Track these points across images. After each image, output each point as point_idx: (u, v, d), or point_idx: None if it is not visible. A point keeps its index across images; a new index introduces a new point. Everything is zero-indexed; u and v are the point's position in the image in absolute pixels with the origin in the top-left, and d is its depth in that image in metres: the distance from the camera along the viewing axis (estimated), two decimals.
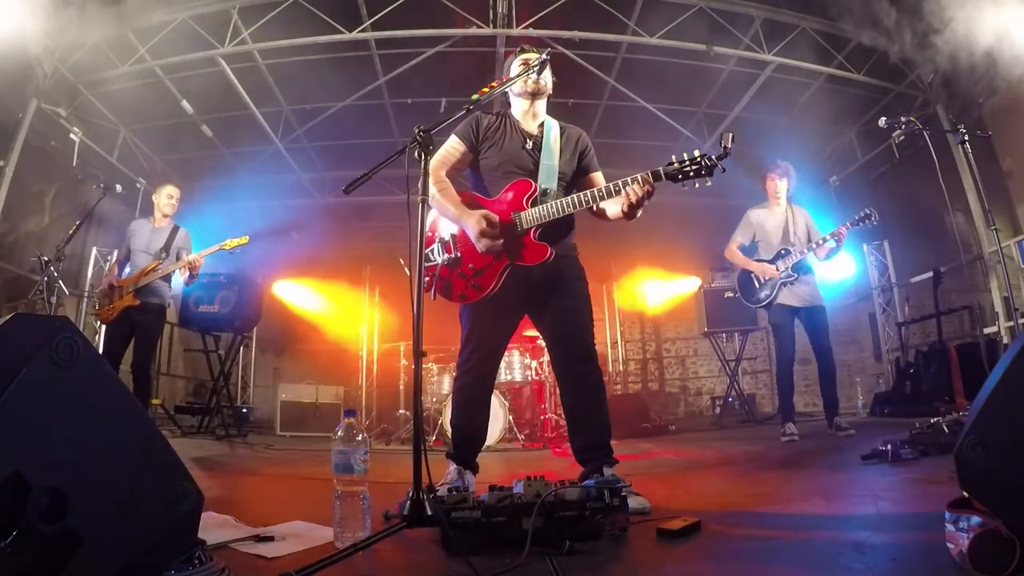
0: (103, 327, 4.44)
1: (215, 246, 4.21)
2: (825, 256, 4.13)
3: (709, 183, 2.01)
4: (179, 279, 4.38)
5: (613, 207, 2.23)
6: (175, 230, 4.37)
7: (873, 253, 7.41)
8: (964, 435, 1.16)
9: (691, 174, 2.00)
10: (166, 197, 4.42)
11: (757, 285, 4.28)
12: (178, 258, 4.25)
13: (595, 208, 2.29)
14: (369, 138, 7.28)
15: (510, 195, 2.22)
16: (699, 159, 1.98)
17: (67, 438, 1.04)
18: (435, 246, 2.27)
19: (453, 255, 2.23)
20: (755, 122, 7.08)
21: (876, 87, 6.25)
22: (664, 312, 9.40)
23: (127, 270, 4.32)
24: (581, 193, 2.14)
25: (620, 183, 2.07)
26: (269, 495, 2.80)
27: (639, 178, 2.04)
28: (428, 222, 2.28)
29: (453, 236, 2.26)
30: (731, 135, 1.96)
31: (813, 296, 4.18)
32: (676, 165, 2.01)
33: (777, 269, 4.16)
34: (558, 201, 2.16)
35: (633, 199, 2.05)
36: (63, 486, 1.00)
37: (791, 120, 7.07)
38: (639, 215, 2.12)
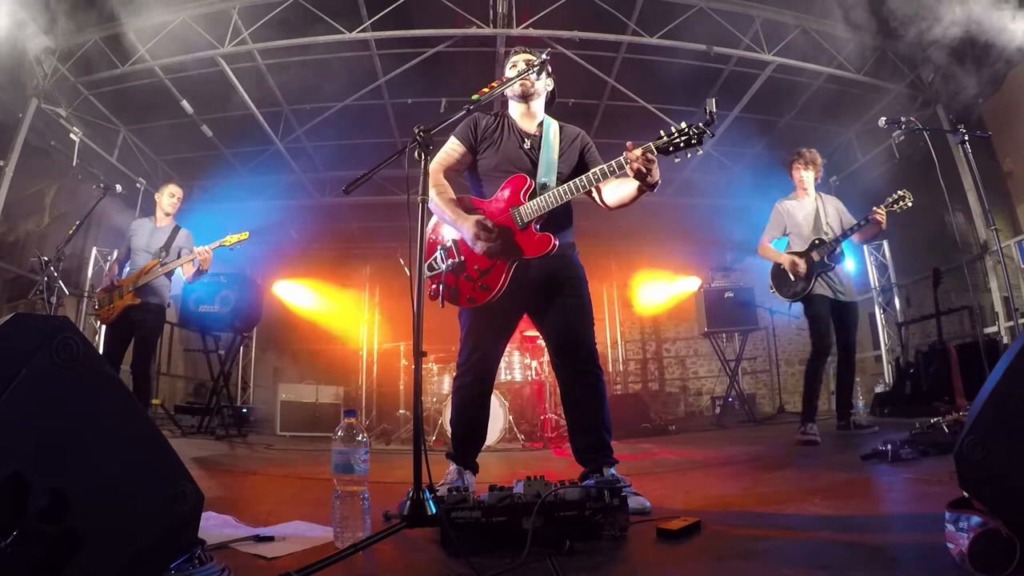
0: (103, 327, 4.44)
1: (215, 243, 4.21)
2: (866, 239, 3.98)
3: (700, 151, 2.01)
4: (181, 276, 4.36)
5: (622, 189, 2.21)
6: (176, 230, 4.37)
7: (873, 253, 7.42)
8: (964, 435, 1.16)
9: (681, 145, 1.99)
10: (168, 196, 4.42)
11: (792, 278, 4.08)
12: (179, 257, 4.25)
13: (602, 200, 2.28)
14: (369, 138, 7.28)
15: (506, 192, 2.21)
16: (687, 129, 1.98)
17: (67, 438, 1.04)
18: (438, 253, 2.26)
19: (456, 260, 2.22)
20: (755, 122, 7.08)
21: (876, 87, 6.25)
22: (664, 312, 9.40)
23: (127, 269, 4.32)
24: (576, 179, 2.13)
25: (614, 163, 2.06)
26: (269, 495, 2.80)
27: (633, 154, 2.00)
28: (429, 226, 2.29)
29: (455, 241, 2.25)
30: (714, 100, 1.96)
31: (848, 289, 4.07)
32: (665, 139, 2.00)
33: (813, 260, 3.99)
34: (556, 189, 2.15)
35: (635, 173, 2.01)
36: (63, 486, 1.00)
37: (791, 120, 7.08)
38: (657, 181, 2.06)
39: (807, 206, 4.17)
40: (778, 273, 4.20)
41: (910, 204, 3.79)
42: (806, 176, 4.17)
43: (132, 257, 4.31)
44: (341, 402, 6.81)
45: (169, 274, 4.29)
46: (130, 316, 4.13)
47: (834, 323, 4.05)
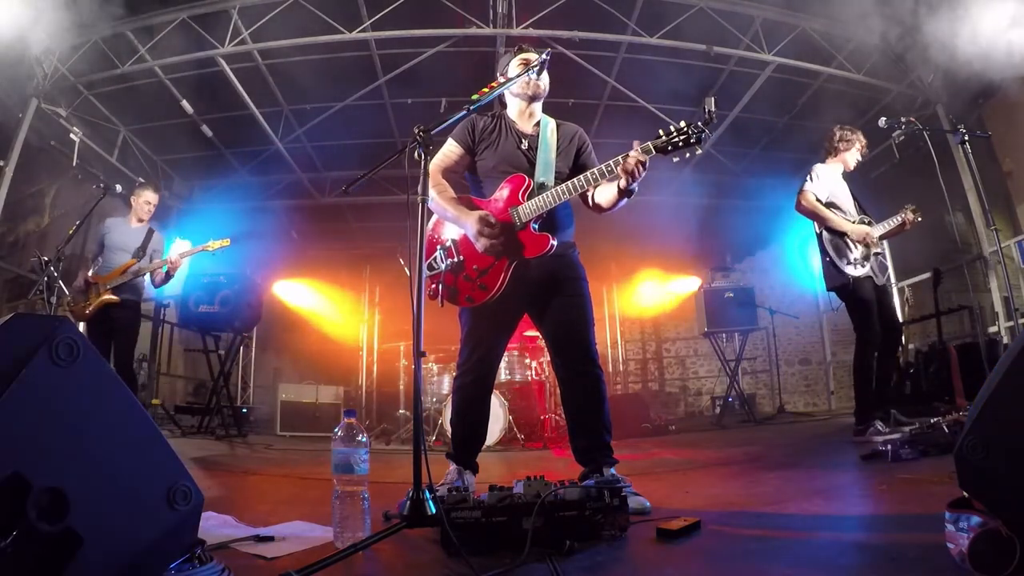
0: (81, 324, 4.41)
1: (198, 247, 4.25)
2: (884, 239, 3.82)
3: (700, 151, 2.02)
4: (150, 281, 4.36)
5: (606, 192, 2.22)
6: (151, 232, 4.39)
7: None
8: (964, 435, 1.16)
9: (680, 144, 1.99)
10: (144, 203, 4.41)
11: (851, 249, 3.69)
12: (151, 260, 4.26)
13: (591, 200, 2.29)
14: (369, 138, 7.28)
15: (505, 192, 2.22)
16: (686, 128, 1.97)
17: (67, 438, 1.04)
18: (437, 253, 2.27)
19: (456, 259, 2.23)
20: (755, 122, 7.08)
21: (876, 87, 6.25)
22: (664, 312, 9.39)
23: (99, 264, 4.30)
24: (575, 179, 2.14)
25: (612, 163, 2.06)
26: (269, 495, 2.80)
27: (630, 155, 2.02)
28: (429, 225, 2.29)
29: (454, 241, 2.25)
30: (713, 99, 1.97)
31: (884, 273, 3.84)
32: (664, 138, 2.00)
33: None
34: (554, 189, 2.16)
35: (627, 176, 2.03)
36: (63, 486, 1.00)
37: (791, 120, 7.08)
38: (636, 189, 2.11)
39: (844, 183, 3.91)
40: (834, 241, 3.77)
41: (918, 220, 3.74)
42: (857, 158, 3.92)
43: (106, 255, 4.29)
44: (341, 402, 6.80)
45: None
46: (109, 313, 4.14)
47: (878, 305, 3.78)
